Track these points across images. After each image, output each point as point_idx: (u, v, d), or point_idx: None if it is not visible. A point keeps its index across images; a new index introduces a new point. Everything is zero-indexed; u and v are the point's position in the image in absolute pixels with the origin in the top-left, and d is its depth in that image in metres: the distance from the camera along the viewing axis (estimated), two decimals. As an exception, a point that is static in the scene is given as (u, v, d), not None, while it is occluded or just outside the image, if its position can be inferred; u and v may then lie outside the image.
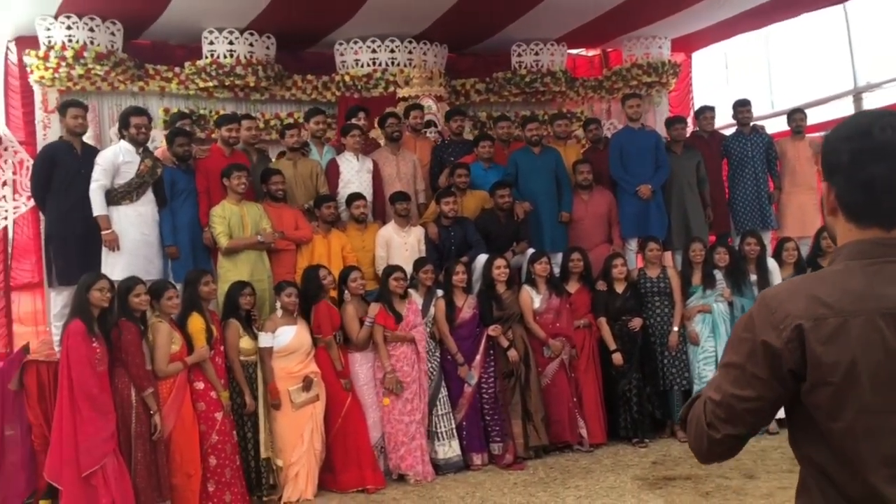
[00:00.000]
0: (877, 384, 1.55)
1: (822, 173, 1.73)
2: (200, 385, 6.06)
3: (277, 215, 7.07)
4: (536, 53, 9.91)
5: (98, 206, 6.40)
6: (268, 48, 8.86)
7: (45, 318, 8.04)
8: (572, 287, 7.42)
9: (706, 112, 8.75)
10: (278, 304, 6.50)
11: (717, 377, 1.75)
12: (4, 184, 7.36)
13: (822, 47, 10.66)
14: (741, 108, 8.60)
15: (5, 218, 7.45)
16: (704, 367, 7.25)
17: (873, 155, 1.61)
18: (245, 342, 6.33)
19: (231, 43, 8.60)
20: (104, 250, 6.46)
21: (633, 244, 8.13)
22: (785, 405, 1.71)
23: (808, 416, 1.65)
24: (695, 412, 1.80)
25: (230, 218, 6.77)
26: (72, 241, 6.52)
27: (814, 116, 9.48)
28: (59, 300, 6.65)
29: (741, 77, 12.75)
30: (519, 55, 9.92)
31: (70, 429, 5.41)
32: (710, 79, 12.51)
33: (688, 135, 8.52)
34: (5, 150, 7.38)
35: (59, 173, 6.54)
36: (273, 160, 7.89)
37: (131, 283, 5.93)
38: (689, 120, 9.54)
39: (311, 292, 6.65)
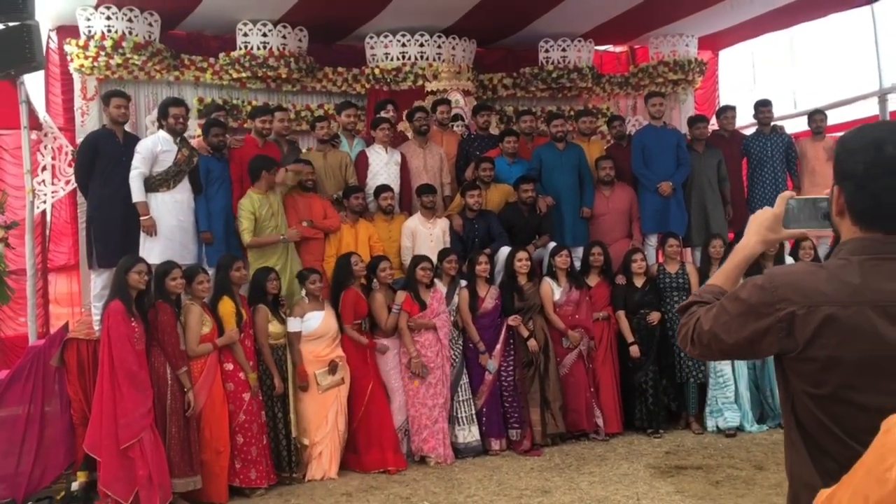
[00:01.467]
0: (863, 368, 1.74)
1: (834, 175, 1.88)
2: (230, 366, 6.32)
3: (307, 205, 7.31)
4: (563, 49, 10.01)
5: (137, 193, 6.65)
6: (300, 41, 9.05)
7: (80, 300, 8.30)
8: (592, 280, 7.62)
9: (727, 111, 8.89)
10: (303, 291, 6.76)
11: (717, 307, 1.95)
12: (44, 169, 7.61)
13: (849, 48, 10.72)
14: (762, 108, 8.74)
15: (44, 202, 7.69)
16: (720, 361, 7.40)
17: (885, 169, 1.76)
18: (273, 326, 6.57)
19: (264, 35, 8.79)
20: (142, 235, 6.71)
21: (653, 240, 8.31)
22: (776, 367, 1.93)
23: (795, 379, 1.85)
24: (689, 320, 2.02)
25: (259, 209, 6.98)
26: (112, 225, 6.77)
27: (839, 117, 9.57)
28: (98, 282, 6.92)
29: (767, 76, 12.82)
30: (546, 51, 10.03)
31: (110, 404, 5.70)
32: (737, 77, 12.58)
33: (709, 134, 8.66)
34: (45, 135, 7.62)
35: (102, 160, 6.80)
36: (303, 151, 8.12)
37: (168, 266, 6.19)
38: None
39: (341, 278, 6.90)
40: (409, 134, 8.47)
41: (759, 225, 2.07)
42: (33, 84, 7.75)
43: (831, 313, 1.76)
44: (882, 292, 1.76)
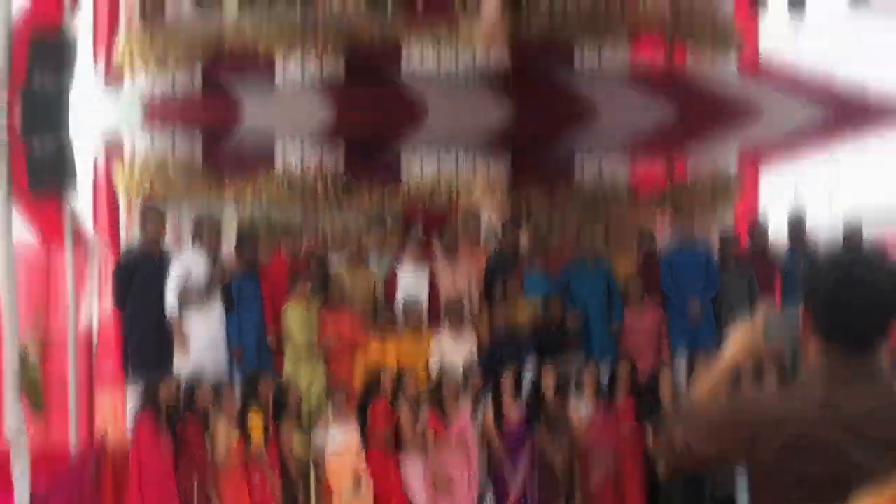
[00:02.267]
0: (828, 485, 1.74)
1: (802, 294, 1.90)
2: (256, 478, 6.36)
3: (335, 320, 7.46)
4: (599, 165, 10.16)
5: (171, 308, 6.88)
6: (336, 158, 9.37)
7: (124, 413, 8.45)
8: (620, 397, 7.54)
9: (758, 228, 8.87)
10: (331, 406, 6.83)
11: (690, 420, 1.96)
12: (91, 283, 7.89)
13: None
14: (794, 224, 8.69)
15: (91, 315, 7.95)
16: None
17: (849, 291, 1.78)
18: (298, 440, 6.63)
19: (302, 152, 9.13)
20: (175, 349, 6.90)
21: (682, 356, 8.20)
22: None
23: (763, 487, 1.85)
24: (666, 432, 2.01)
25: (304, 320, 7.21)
26: (147, 340, 6.98)
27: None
28: (135, 394, 7.07)
29: (810, 191, 12.75)
30: (581, 167, 10.19)
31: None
32: (779, 191, 12.55)
33: (741, 251, 8.64)
34: (92, 251, 7.95)
35: (138, 277, 7.06)
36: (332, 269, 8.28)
37: (197, 380, 6.34)
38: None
39: (370, 392, 6.99)
40: (439, 251, 8.62)
41: (740, 337, 2.12)
42: (82, 200, 8.12)
43: (796, 432, 1.80)
44: (847, 410, 1.79)
